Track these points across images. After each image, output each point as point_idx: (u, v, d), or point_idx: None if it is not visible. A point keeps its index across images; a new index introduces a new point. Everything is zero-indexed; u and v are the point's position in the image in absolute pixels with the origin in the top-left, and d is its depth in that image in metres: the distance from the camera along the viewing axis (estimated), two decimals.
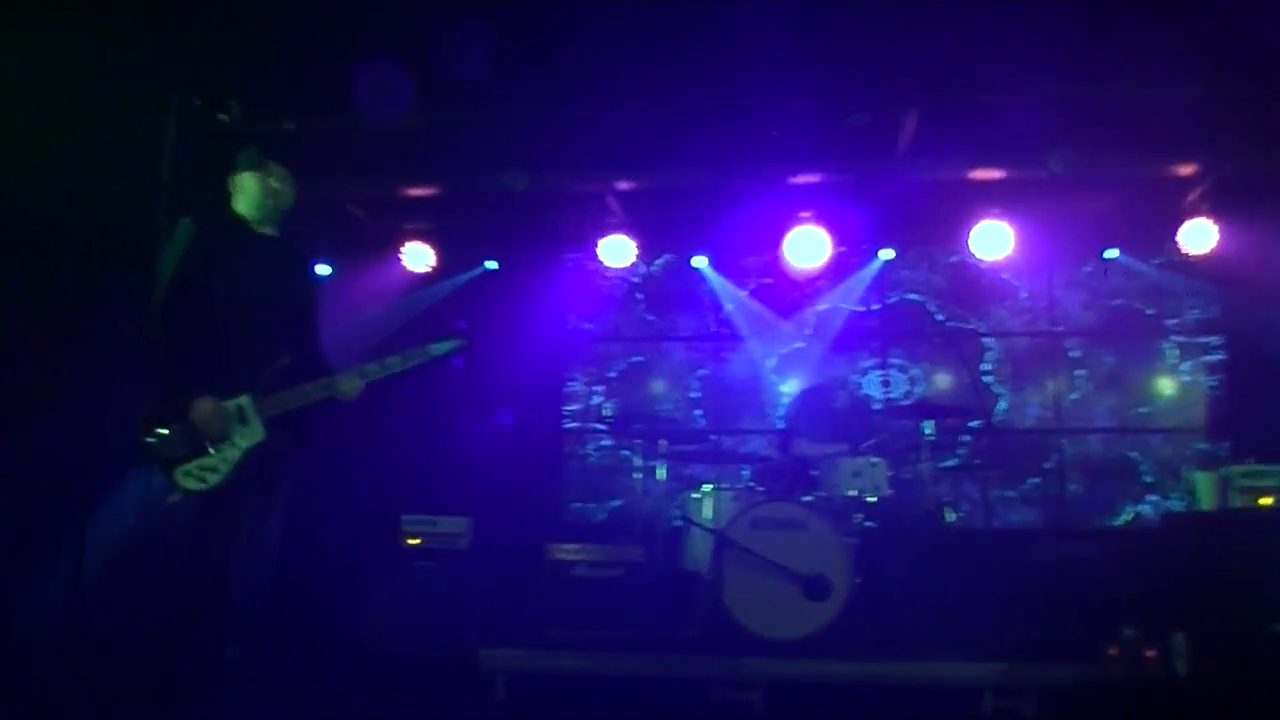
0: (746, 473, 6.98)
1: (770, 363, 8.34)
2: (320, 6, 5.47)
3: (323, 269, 8.19)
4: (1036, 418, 7.99)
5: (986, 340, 8.11)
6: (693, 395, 8.42)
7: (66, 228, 7.00)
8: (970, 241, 7.40)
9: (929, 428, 6.14)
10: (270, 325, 4.00)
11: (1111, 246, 7.74)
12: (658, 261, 8.56)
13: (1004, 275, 8.09)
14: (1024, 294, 8.12)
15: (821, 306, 8.29)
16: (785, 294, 8.30)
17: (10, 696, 4.51)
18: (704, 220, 7.99)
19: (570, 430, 8.40)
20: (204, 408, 3.80)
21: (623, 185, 7.44)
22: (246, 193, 4.06)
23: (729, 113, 6.47)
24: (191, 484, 3.80)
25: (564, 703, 5.11)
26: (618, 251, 7.76)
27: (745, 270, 8.37)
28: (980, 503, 7.59)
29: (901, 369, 8.14)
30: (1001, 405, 7.97)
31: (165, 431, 3.81)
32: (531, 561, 6.07)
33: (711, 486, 6.16)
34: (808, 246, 7.47)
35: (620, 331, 8.53)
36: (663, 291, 8.56)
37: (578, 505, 8.29)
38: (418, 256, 7.94)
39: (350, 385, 3.98)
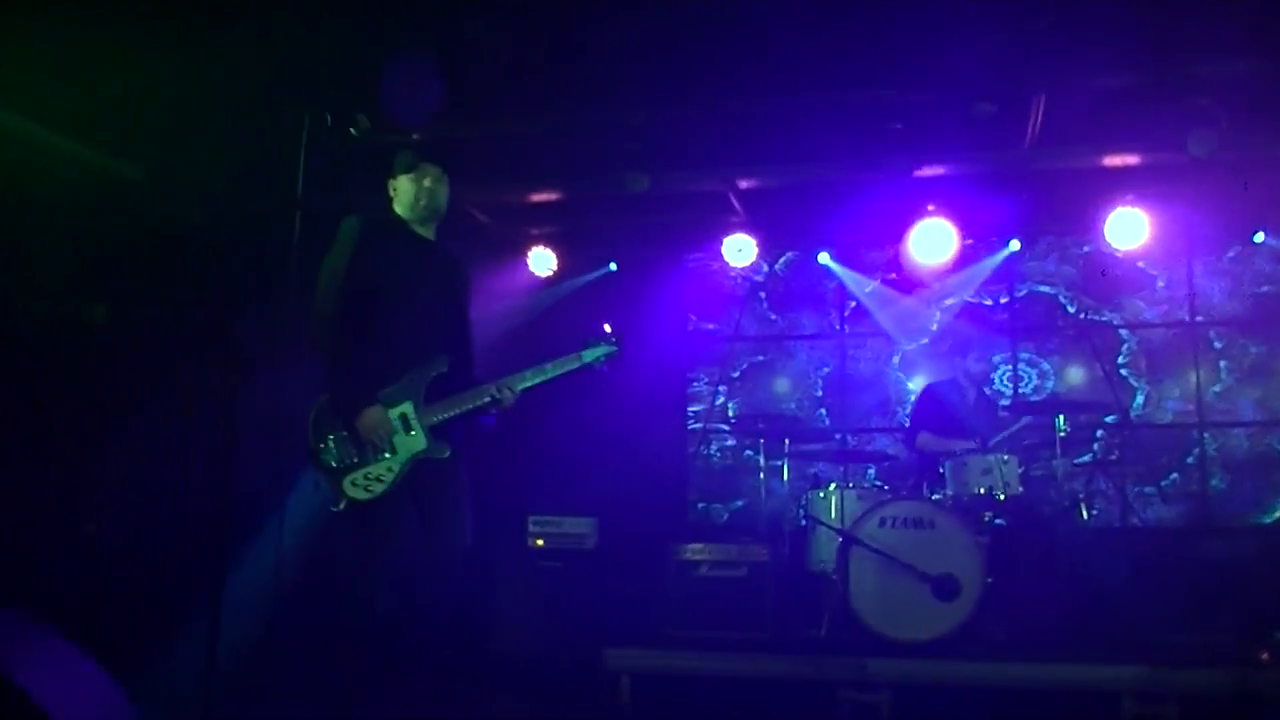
0: (872, 471, 6.88)
1: (896, 359, 8.23)
2: (439, 20, 5.62)
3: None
4: (1176, 411, 7.69)
5: (1121, 332, 7.83)
6: (817, 394, 8.35)
7: (211, 242, 7.36)
8: (1104, 230, 7.18)
9: (1062, 423, 5.98)
10: (432, 330, 3.99)
11: (1259, 230, 7.40)
12: (780, 260, 8.52)
13: (1140, 264, 7.80)
14: (1161, 283, 7.81)
15: (948, 301, 8.13)
16: (910, 289, 8.16)
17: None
18: (827, 217, 7.92)
19: (694, 431, 8.42)
20: (372, 416, 3.80)
21: (744, 183, 7.42)
22: (403, 195, 4.06)
23: (851, 107, 6.40)
24: (358, 493, 3.79)
25: (688, 703, 5.12)
26: (740, 250, 7.76)
27: (870, 266, 8.26)
28: (1117, 500, 7.33)
29: (1031, 363, 7.93)
30: (1138, 399, 7.70)
31: (334, 439, 3.81)
32: (656, 562, 6.10)
33: (836, 485, 6.11)
34: (933, 240, 7.35)
35: (743, 331, 8.51)
36: (786, 290, 8.50)
37: (702, 505, 8.31)
38: (542, 261, 8.07)
39: (509, 393, 3.97)
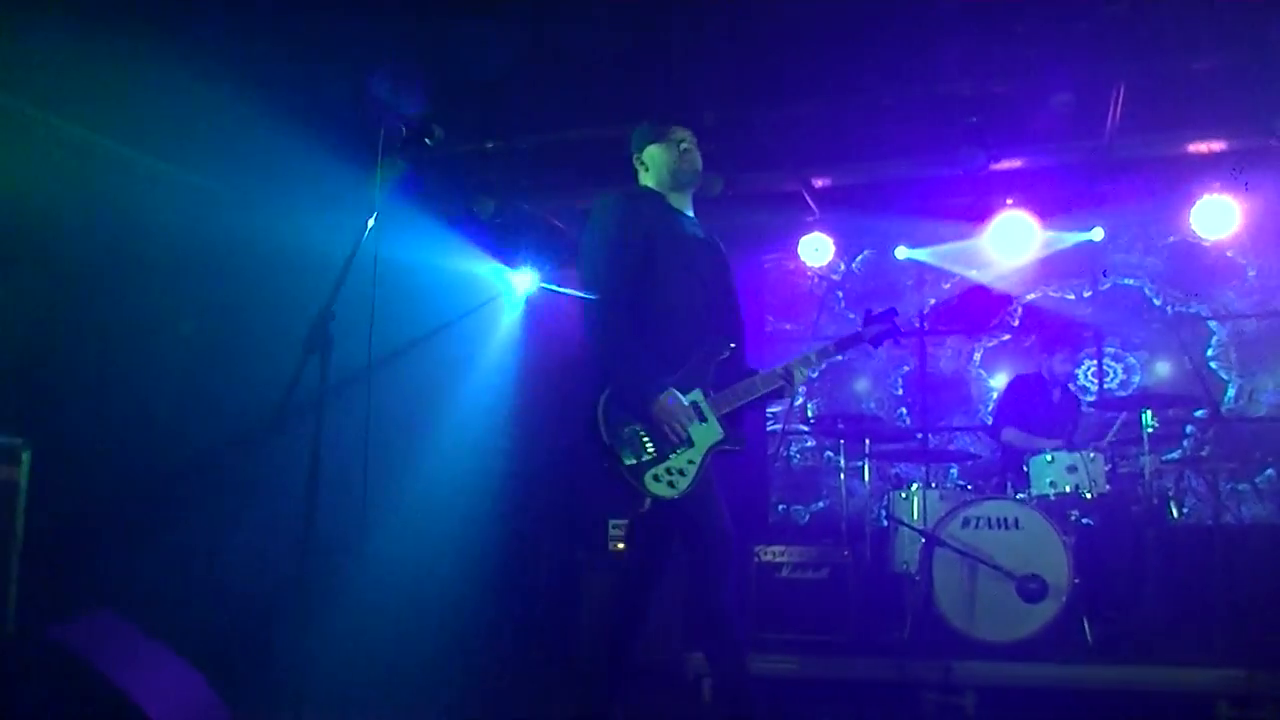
0: (954, 471, 6.81)
1: (977, 356, 8.11)
2: (510, 33, 5.70)
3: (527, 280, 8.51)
4: (1270, 405, 7.45)
5: (1210, 323, 7.63)
6: (897, 393, 8.27)
7: (294, 252, 7.54)
8: (1190, 219, 7.01)
9: (1149, 418, 5.85)
10: (711, 310, 3.74)
11: None
12: (858, 258, 8.46)
13: (1229, 254, 7.59)
14: (1252, 272, 7.59)
15: (1030, 296, 8.00)
16: (992, 285, 8.05)
17: None
18: (904, 214, 7.85)
19: (773, 432, 8.39)
20: (668, 405, 3.48)
21: (820, 182, 7.40)
22: (658, 164, 3.83)
23: (926, 102, 6.35)
24: (662, 490, 3.47)
25: (771, 706, 5.12)
26: (816, 250, 7.72)
27: (949, 261, 8.16)
28: (1209, 497, 7.12)
29: (1117, 358, 7.76)
30: (1229, 392, 7.49)
31: (628, 433, 3.50)
32: (737, 564, 6.09)
33: (918, 485, 6.05)
34: (1013, 234, 7.24)
35: (821, 331, 8.46)
36: (864, 288, 8.44)
37: (782, 507, 8.28)
38: None
39: (799, 375, 3.73)
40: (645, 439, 3.51)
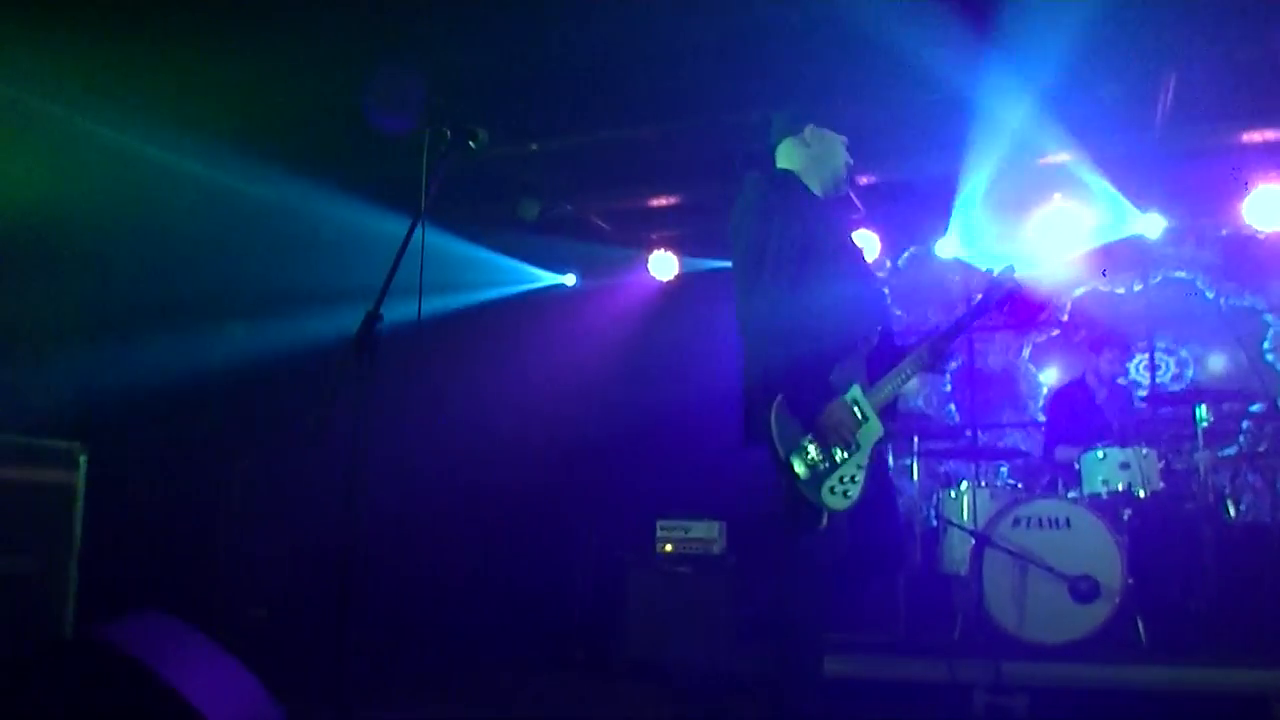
0: (1004, 469, 6.73)
1: (1026, 352, 8.02)
2: (554, 33, 5.71)
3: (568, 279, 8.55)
4: None
5: (1267, 317, 7.48)
6: (945, 389, 8.19)
7: (343, 253, 7.62)
8: (1244, 210, 6.89)
9: (1204, 414, 5.75)
10: (862, 298, 3.52)
11: None
12: (903, 255, 8.39)
13: None
14: None
15: (1079, 291, 7.89)
16: (1040, 280, 7.95)
17: None
18: (949, 210, 7.78)
19: None
20: (838, 412, 3.27)
21: (864, 179, 7.35)
22: (823, 156, 3.69)
23: (970, 97, 6.29)
24: (838, 502, 3.24)
25: (823, 707, 5.08)
26: (862, 247, 7.65)
27: (994, 258, 8.08)
28: (1266, 494, 6.99)
29: (1169, 352, 7.63)
30: None
31: (804, 444, 3.27)
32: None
33: (968, 484, 5.99)
34: (1061, 228, 7.16)
35: None
36: (910, 285, 8.37)
37: None
38: (663, 264, 8.11)
39: (932, 354, 3.43)
40: (817, 449, 3.28)
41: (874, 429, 3.34)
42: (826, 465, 3.26)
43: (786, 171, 3.68)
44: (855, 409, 3.33)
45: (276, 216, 7.58)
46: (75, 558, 5.33)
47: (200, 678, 3.15)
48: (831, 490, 3.25)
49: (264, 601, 6.70)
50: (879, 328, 3.47)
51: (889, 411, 3.45)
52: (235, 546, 6.21)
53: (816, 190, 3.66)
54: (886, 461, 3.70)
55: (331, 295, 7.46)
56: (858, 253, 3.71)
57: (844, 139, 3.73)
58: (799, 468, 3.25)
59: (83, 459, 5.43)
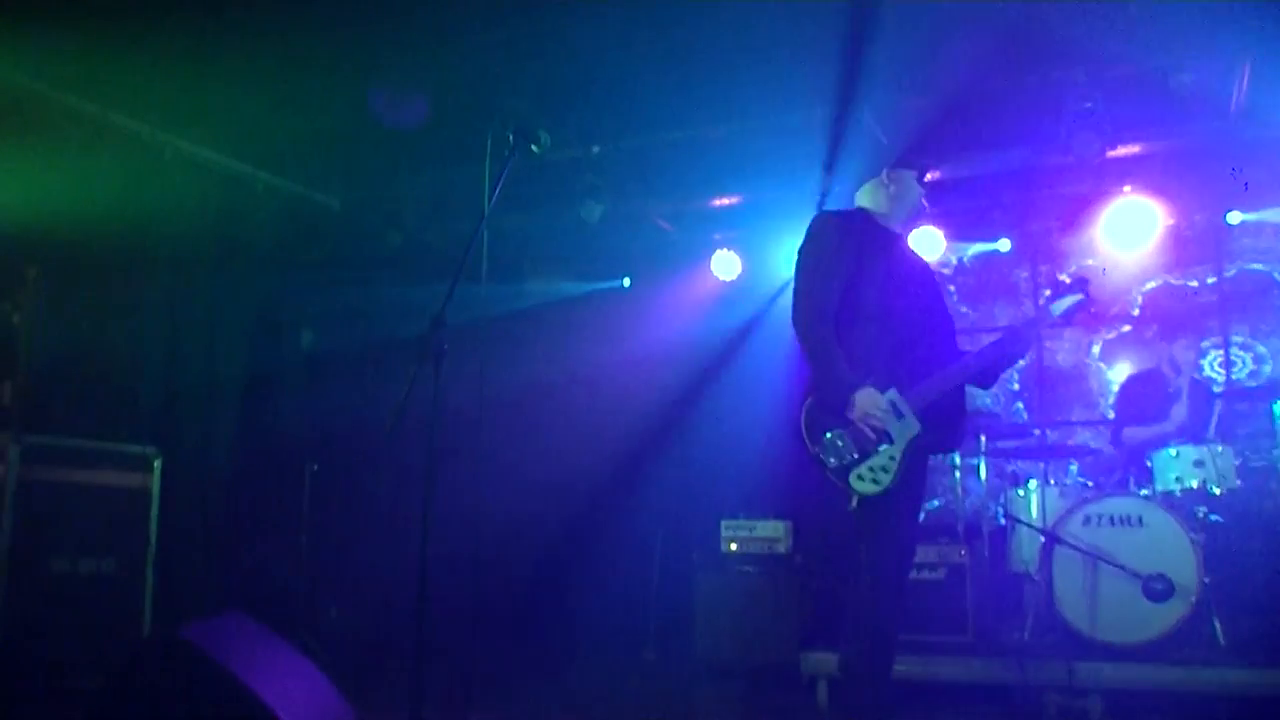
0: (1074, 467, 6.63)
1: (1096, 349, 7.88)
2: (616, 36, 5.73)
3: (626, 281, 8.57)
4: None
5: None
6: (1013, 388, 8.08)
7: (409, 259, 7.72)
8: None
9: None
10: (919, 323, 3.86)
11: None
12: (969, 251, 8.29)
13: None
14: None
15: (1150, 285, 7.74)
16: (1109, 274, 7.81)
17: None
18: (1017, 206, 7.68)
19: None
20: (864, 401, 3.61)
21: (929, 175, 7.24)
22: (900, 194, 4.05)
23: (1038, 89, 6.21)
24: (867, 487, 3.62)
25: (886, 707, 5.05)
26: (927, 244, 7.60)
27: (1065, 252, 7.95)
28: None
29: (1245, 347, 7.44)
30: None
31: (830, 437, 3.65)
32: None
33: (1037, 483, 5.91)
34: (1131, 221, 7.03)
35: None
36: (977, 281, 8.26)
37: None
38: (726, 264, 8.10)
39: (980, 372, 3.86)
40: (849, 441, 3.64)
41: (910, 426, 3.67)
42: (856, 455, 3.64)
43: (858, 209, 4.09)
44: (892, 405, 3.66)
45: (340, 220, 7.71)
46: (151, 559, 5.46)
47: (275, 679, 3.21)
48: (860, 477, 3.63)
49: (339, 602, 6.81)
50: (922, 340, 3.81)
51: (942, 416, 3.74)
52: (304, 544, 6.31)
53: (894, 226, 4.05)
54: (923, 465, 3.83)
55: (400, 298, 7.58)
56: (923, 285, 4.00)
57: (914, 172, 4.12)
58: (830, 458, 3.66)
59: (158, 463, 5.57)
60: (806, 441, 3.70)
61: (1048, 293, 3.87)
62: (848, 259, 3.80)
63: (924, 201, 4.13)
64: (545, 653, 6.75)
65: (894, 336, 3.77)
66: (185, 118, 6.31)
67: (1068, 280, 4.07)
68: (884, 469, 3.62)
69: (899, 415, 3.66)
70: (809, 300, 3.77)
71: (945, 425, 3.79)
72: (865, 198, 4.10)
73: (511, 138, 3.77)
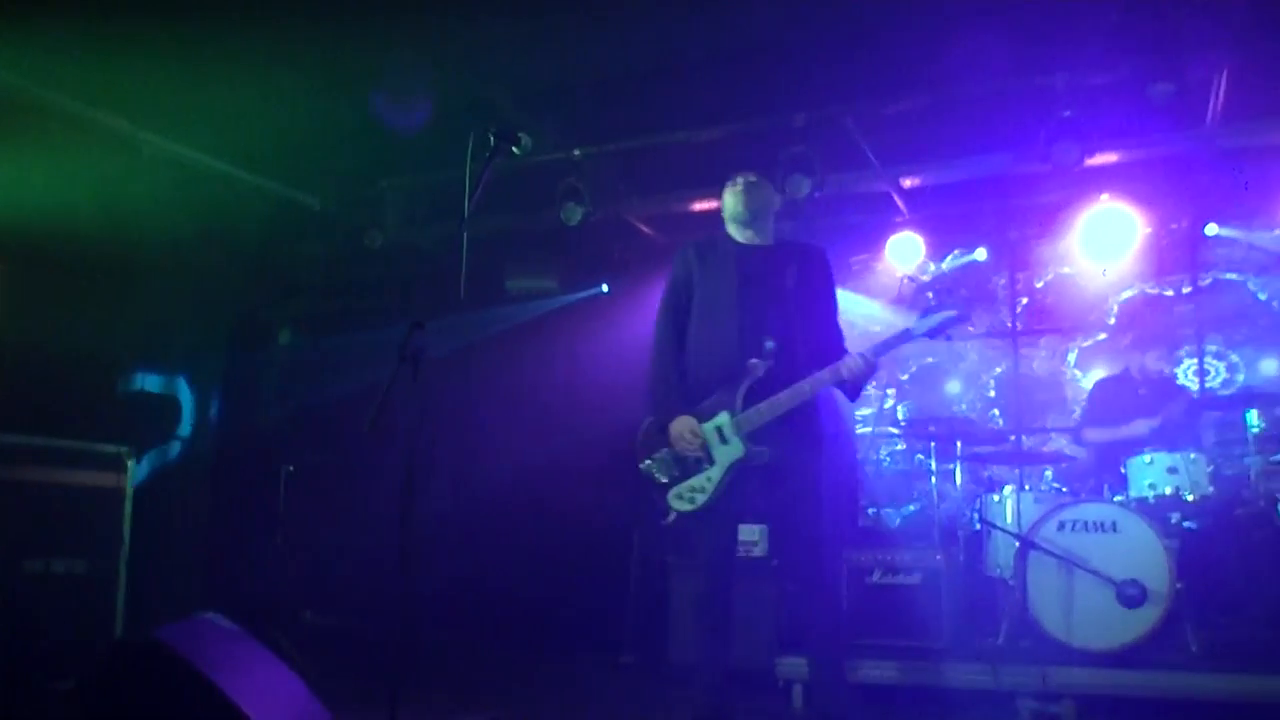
0: (1049, 473, 6.66)
1: (1072, 357, 7.93)
2: (599, 39, 5.74)
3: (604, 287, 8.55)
4: None
5: None
6: (989, 394, 8.12)
7: (390, 259, 7.70)
8: None
9: (1255, 418, 5.66)
10: (750, 336, 3.99)
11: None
12: (948, 258, 8.32)
13: None
14: None
15: (1126, 293, 7.80)
16: (1086, 283, 7.87)
17: None
18: (996, 213, 7.72)
19: (863, 435, 8.30)
20: (679, 425, 3.93)
21: (908, 182, 7.31)
22: (725, 208, 4.19)
23: (1017, 97, 6.25)
24: (682, 505, 3.95)
25: (861, 713, 5.06)
26: (906, 250, 7.64)
27: (1042, 260, 8.00)
28: None
29: (1219, 356, 7.51)
30: None
31: (658, 456, 4.00)
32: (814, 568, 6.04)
33: (1012, 488, 5.94)
34: (1108, 230, 7.08)
35: (911, 333, 8.32)
36: (954, 289, 8.27)
37: (873, 511, 8.17)
38: None
39: (810, 387, 3.92)
40: (672, 461, 3.97)
41: (734, 450, 3.91)
42: (678, 474, 3.95)
43: (715, 234, 4.26)
44: (716, 432, 3.91)
45: (318, 220, 7.68)
46: (124, 560, 5.42)
47: (249, 681, 3.19)
48: (679, 496, 3.94)
49: (316, 604, 6.78)
50: (763, 362, 3.93)
51: (769, 435, 3.89)
52: (280, 546, 6.28)
53: (749, 238, 4.17)
54: (755, 485, 3.99)
55: (381, 301, 7.56)
56: (765, 291, 4.05)
57: (733, 181, 4.16)
58: (658, 476, 3.99)
59: (131, 463, 5.53)
60: (639, 457, 4.05)
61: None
62: (682, 293, 4.12)
63: (733, 201, 4.13)
64: (523, 655, 6.73)
65: (724, 362, 3.96)
66: (165, 115, 6.28)
67: (938, 300, 4.16)
68: (700, 489, 3.91)
69: (723, 440, 3.91)
70: (655, 334, 4.15)
71: (781, 447, 3.92)
72: (724, 210, 4.21)
73: (493, 140, 3.77)
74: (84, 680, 3.29)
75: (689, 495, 3.92)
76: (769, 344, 3.95)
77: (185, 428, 6.63)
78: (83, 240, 5.92)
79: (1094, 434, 6.19)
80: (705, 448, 3.93)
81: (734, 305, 4.02)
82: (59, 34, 5.24)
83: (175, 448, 6.54)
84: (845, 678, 4.14)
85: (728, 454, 3.90)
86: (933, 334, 4.11)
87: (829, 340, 4.14)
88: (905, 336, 4.12)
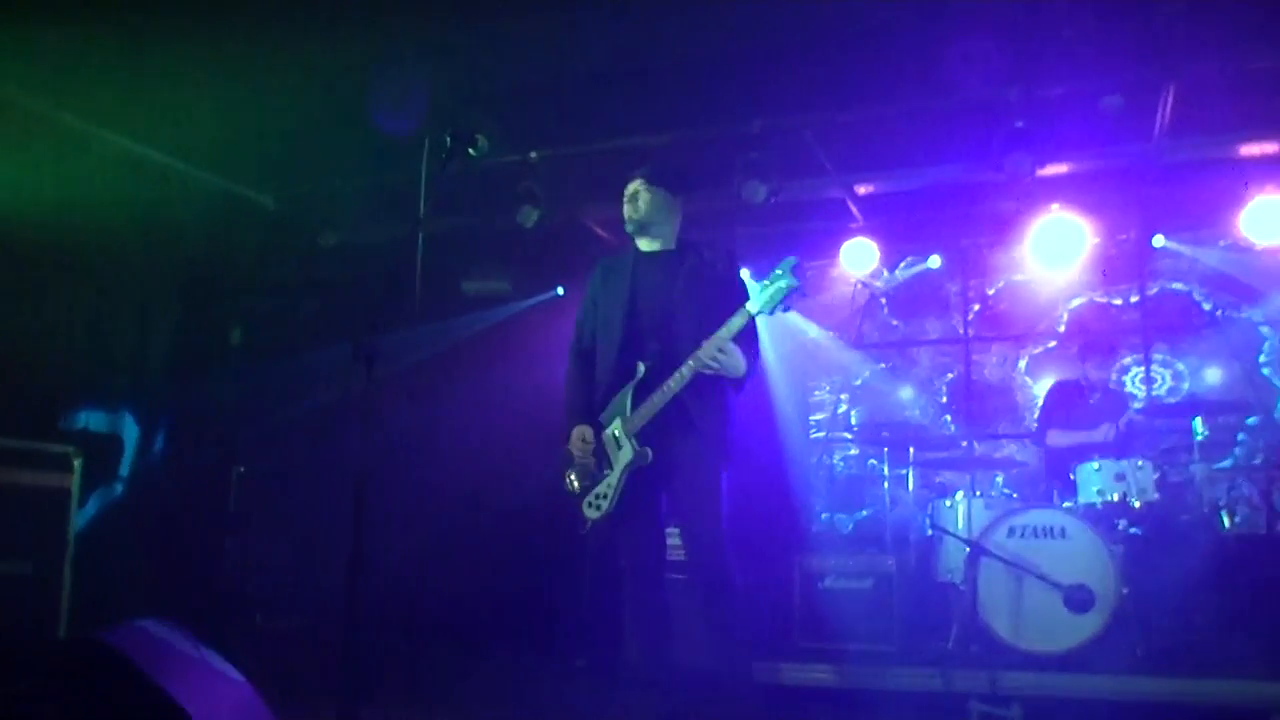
0: (1000, 479, 6.74)
1: (1023, 363, 8.03)
2: (555, 42, 5.73)
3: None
4: None
5: (1263, 329, 7.47)
6: (941, 400, 8.21)
7: (343, 260, 7.63)
8: (1241, 222, 6.91)
9: (1200, 426, 5.76)
10: (639, 341, 4.06)
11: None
12: (901, 265, 8.40)
13: None
14: None
15: (1076, 302, 7.91)
16: (1036, 291, 7.97)
17: None
18: (949, 220, 7.80)
19: (816, 440, 8.35)
20: (573, 437, 4.07)
21: (863, 189, 7.37)
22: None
23: (971, 107, 6.31)
24: (592, 514, 4.01)
25: (812, 717, 5.09)
26: (860, 256, 7.69)
27: (994, 268, 8.10)
28: (1262, 506, 7.00)
29: (1166, 364, 7.64)
30: None
31: (572, 468, 4.09)
32: (780, 573, 6.07)
33: (963, 494, 6.00)
34: (1059, 239, 7.18)
35: (865, 338, 8.41)
36: (908, 295, 8.38)
37: (826, 516, 8.23)
38: None
39: (706, 362, 3.86)
40: (580, 472, 4.06)
41: (626, 454, 3.96)
42: (588, 483, 4.03)
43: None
44: (613, 438, 4.00)
45: (271, 220, 7.60)
46: (70, 561, 5.33)
47: (195, 684, 3.15)
48: (589, 504, 4.01)
49: (266, 607, 6.70)
50: (645, 364, 4.01)
51: (651, 434, 3.92)
52: (229, 548, 6.20)
53: (648, 243, 4.24)
54: (654, 489, 4.02)
55: (334, 301, 7.48)
56: (654, 299, 4.08)
57: (626, 187, 4.24)
58: (570, 487, 4.08)
59: (78, 463, 5.43)
60: (561, 471, 4.14)
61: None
62: (588, 309, 4.25)
63: (626, 208, 4.20)
64: (478, 659, 6.68)
65: (616, 369, 4.05)
66: (115, 110, 6.18)
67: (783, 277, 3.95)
68: (604, 496, 3.97)
69: (619, 445, 3.98)
70: (571, 346, 4.28)
71: (665, 447, 3.94)
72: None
73: (449, 141, 3.74)
74: (26, 682, 3.22)
75: (596, 503, 3.98)
76: (651, 346, 4.04)
77: (125, 467, 6.51)
78: (27, 235, 5.81)
79: (1058, 438, 6.25)
80: (606, 454, 4.01)
81: (624, 313, 4.09)
82: (1, 26, 5.14)
83: (117, 488, 6.43)
84: (746, 681, 4.12)
85: (622, 458, 3.96)
86: (771, 312, 3.95)
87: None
88: (746, 316, 3.93)
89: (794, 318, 8.24)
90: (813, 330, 8.52)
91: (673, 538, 6.13)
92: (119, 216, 6.54)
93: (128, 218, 6.61)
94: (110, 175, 6.43)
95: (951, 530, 5.81)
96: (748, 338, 4.00)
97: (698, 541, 4.00)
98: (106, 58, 5.55)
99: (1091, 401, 6.38)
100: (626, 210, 4.20)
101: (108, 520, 6.17)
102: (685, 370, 3.89)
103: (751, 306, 3.91)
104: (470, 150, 3.76)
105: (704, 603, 3.98)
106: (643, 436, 3.94)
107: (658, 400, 3.92)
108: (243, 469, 6.26)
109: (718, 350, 3.86)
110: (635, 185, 4.21)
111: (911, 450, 6.44)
